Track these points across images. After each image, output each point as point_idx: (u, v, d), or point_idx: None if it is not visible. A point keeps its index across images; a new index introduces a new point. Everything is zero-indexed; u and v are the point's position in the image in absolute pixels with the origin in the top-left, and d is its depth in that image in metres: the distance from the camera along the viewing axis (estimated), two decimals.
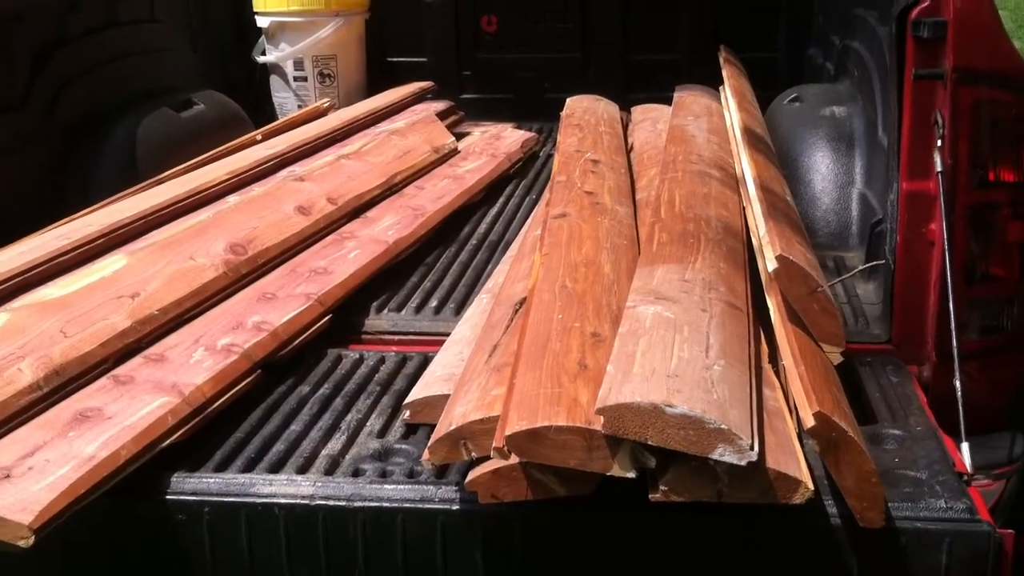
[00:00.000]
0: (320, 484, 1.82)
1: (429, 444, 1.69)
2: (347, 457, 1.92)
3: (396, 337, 2.50)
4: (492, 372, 1.83)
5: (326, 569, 1.80)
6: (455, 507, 1.75)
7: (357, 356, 2.36)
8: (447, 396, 1.94)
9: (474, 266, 2.91)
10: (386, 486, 1.80)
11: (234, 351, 2.14)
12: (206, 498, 1.82)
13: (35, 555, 1.62)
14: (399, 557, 1.78)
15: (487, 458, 1.66)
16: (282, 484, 1.83)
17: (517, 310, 2.11)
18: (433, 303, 2.64)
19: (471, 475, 1.66)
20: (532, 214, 3.23)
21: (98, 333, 2.04)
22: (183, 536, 1.82)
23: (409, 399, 2.02)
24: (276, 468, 1.89)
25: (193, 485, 1.84)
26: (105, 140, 3.40)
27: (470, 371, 1.91)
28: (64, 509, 1.64)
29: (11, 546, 1.60)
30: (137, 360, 2.06)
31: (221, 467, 1.89)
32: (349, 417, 2.08)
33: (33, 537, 1.58)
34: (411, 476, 1.84)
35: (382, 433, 2.01)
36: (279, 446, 1.96)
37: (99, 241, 2.45)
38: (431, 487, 1.78)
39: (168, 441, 1.88)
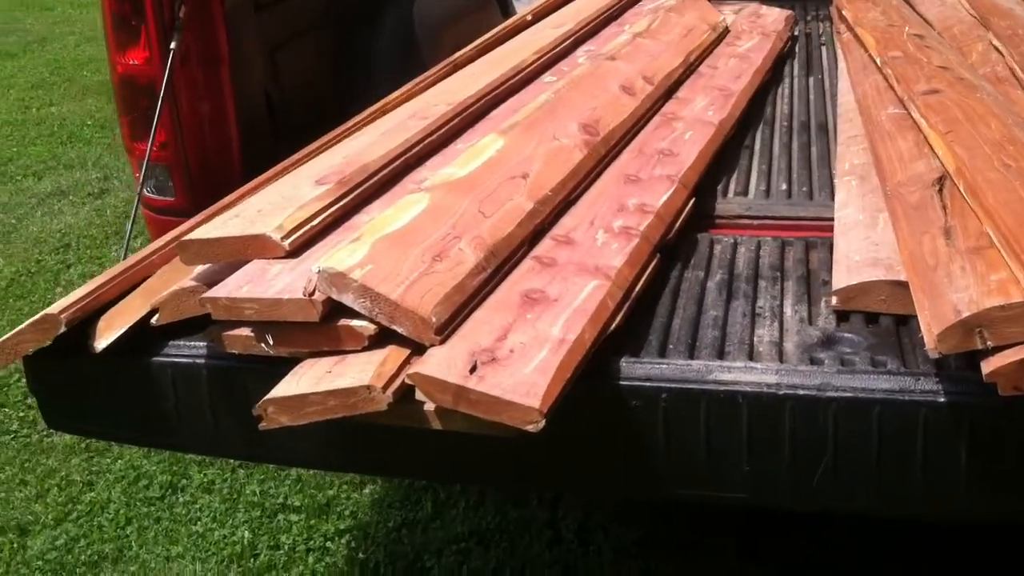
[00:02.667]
0: (784, 372, 1.74)
1: (937, 333, 1.60)
2: (790, 344, 1.85)
3: (755, 222, 2.40)
4: (969, 255, 1.73)
5: (789, 460, 1.74)
6: (941, 399, 1.67)
7: (732, 240, 2.27)
8: (885, 282, 1.86)
9: (799, 148, 2.79)
10: (858, 375, 1.72)
11: (632, 234, 2.06)
12: (663, 384, 1.76)
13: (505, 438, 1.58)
14: (872, 451, 1.70)
15: (1004, 347, 1.56)
16: (741, 371, 1.76)
17: (940, 190, 1.99)
18: (782, 187, 2.53)
19: (990, 365, 1.56)
20: (837, 94, 3.10)
21: (511, 214, 1.98)
22: (636, 422, 1.77)
23: (839, 285, 1.93)
24: (719, 354, 1.82)
25: (645, 370, 1.77)
26: (381, 22, 3.33)
27: (928, 255, 1.80)
28: (559, 393, 1.59)
29: (511, 429, 1.56)
30: (548, 242, 1.99)
31: (661, 352, 1.83)
32: (763, 303, 1.99)
33: (543, 422, 1.53)
34: (874, 365, 1.76)
35: (811, 320, 1.93)
36: (709, 332, 1.89)
37: (453, 121, 2.39)
38: (909, 378, 1.70)
39: (613, 325, 1.82)
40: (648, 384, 1.76)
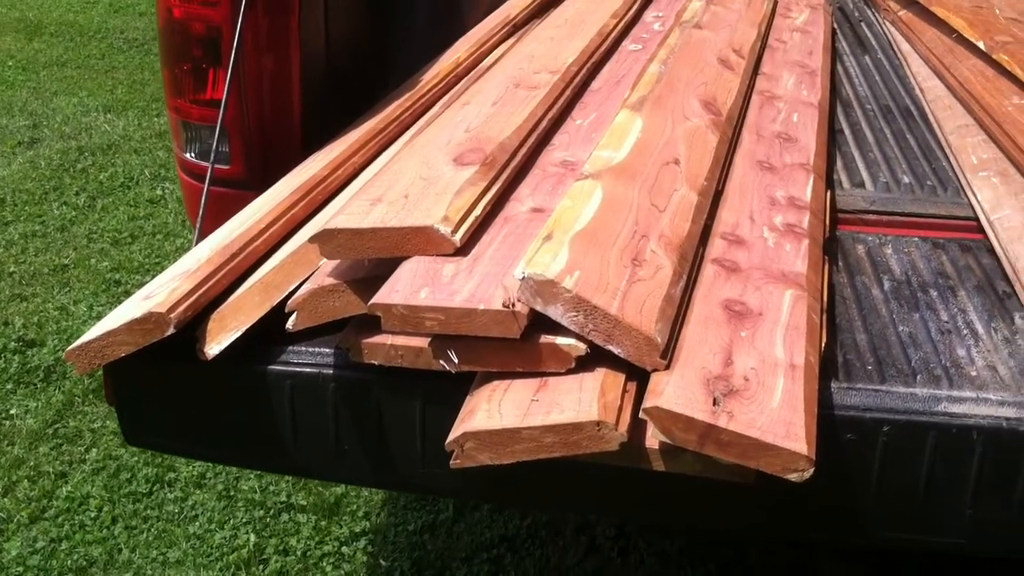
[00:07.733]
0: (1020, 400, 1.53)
1: None
2: (1004, 369, 1.63)
3: (883, 218, 2.18)
4: None
5: (1021, 503, 1.53)
6: None
7: (875, 240, 2.05)
8: None
9: (894, 135, 2.58)
10: None
11: (799, 233, 1.82)
12: (883, 415, 1.53)
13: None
14: None
15: None
16: (971, 403, 1.54)
17: None
18: (903, 180, 2.31)
19: None
20: (909, 76, 2.91)
21: (682, 208, 1.71)
22: (848, 458, 1.53)
23: None
24: (929, 380, 1.60)
25: (862, 399, 1.54)
26: None
27: None
28: (815, 431, 1.34)
29: (750, 474, 1.31)
30: (719, 242, 1.73)
31: (868, 376, 1.60)
32: (947, 317, 1.78)
33: (811, 470, 1.28)
34: None
35: (1014, 339, 1.72)
36: (907, 351, 1.66)
37: (565, 93, 2.11)
38: None
39: (823, 345, 1.58)
40: (867, 416, 1.53)
